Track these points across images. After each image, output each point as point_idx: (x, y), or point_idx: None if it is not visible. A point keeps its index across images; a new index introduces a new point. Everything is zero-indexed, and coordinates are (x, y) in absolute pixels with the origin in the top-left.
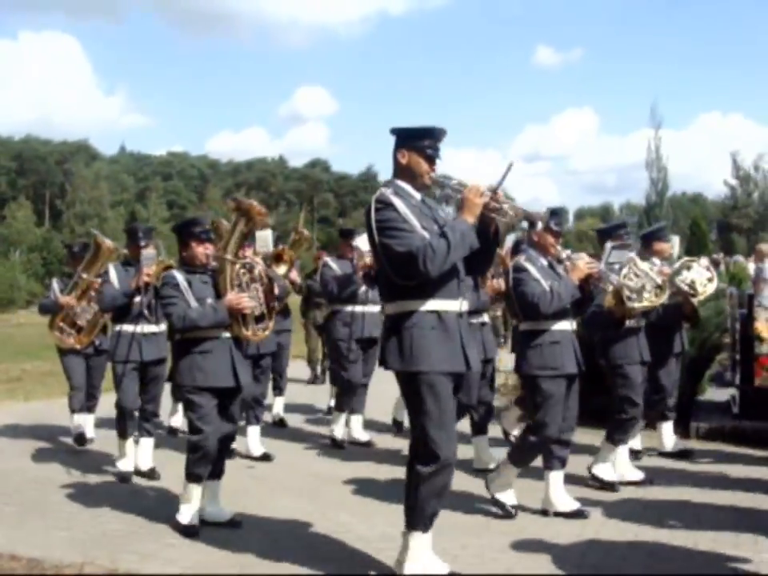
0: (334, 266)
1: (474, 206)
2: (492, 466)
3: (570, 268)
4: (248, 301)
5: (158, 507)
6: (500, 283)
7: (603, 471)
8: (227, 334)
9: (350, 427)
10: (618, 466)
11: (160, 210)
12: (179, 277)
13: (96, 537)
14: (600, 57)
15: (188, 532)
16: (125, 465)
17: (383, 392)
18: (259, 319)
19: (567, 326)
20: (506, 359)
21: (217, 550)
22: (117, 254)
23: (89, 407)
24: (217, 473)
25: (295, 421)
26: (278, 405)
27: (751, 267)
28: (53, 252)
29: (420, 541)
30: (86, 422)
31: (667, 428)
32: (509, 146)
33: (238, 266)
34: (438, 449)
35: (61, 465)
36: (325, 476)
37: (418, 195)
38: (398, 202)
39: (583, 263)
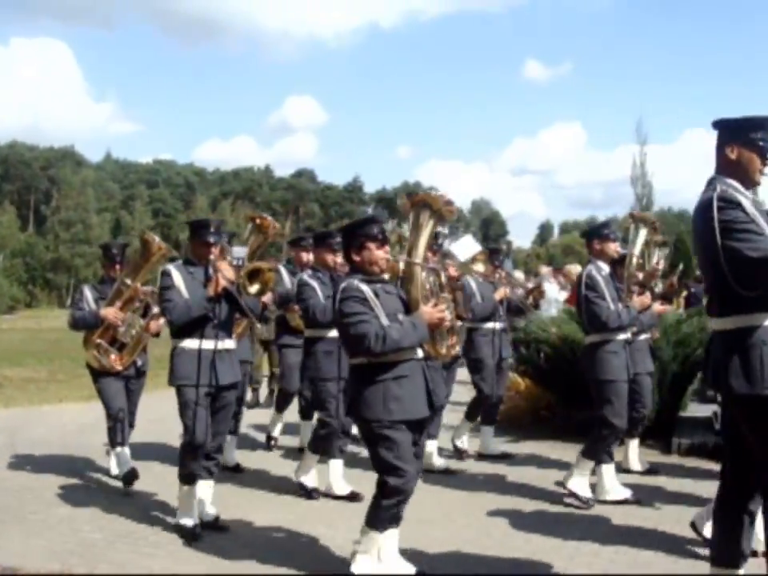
0: (286, 277)
1: None
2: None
3: None
4: (447, 313)
5: (137, 516)
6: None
7: (578, 486)
8: (421, 354)
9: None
10: (606, 483)
11: (145, 217)
12: (365, 288)
13: (74, 545)
14: (588, 72)
15: None
16: (188, 519)
17: None
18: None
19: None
20: None
21: (195, 559)
22: (169, 255)
23: (123, 439)
24: None
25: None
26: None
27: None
28: (36, 257)
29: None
30: (122, 457)
31: (634, 445)
32: (496, 158)
33: (426, 273)
34: None
35: (40, 473)
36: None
37: (750, 195)
38: (745, 201)
39: None
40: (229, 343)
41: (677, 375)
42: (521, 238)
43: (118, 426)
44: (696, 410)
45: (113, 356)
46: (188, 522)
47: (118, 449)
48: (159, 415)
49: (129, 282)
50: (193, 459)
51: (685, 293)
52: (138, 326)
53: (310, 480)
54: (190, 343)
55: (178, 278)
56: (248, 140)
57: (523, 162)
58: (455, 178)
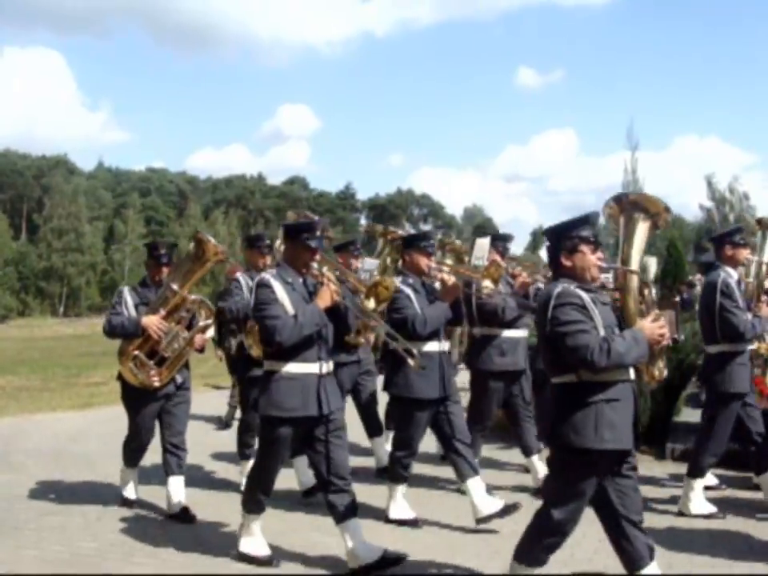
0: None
1: None
2: None
3: None
4: (666, 330)
5: (130, 526)
6: None
7: (702, 507)
8: (633, 375)
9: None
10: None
11: (138, 225)
12: (583, 295)
13: (67, 555)
14: (581, 79)
15: None
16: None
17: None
18: None
19: None
20: None
21: (189, 569)
22: (224, 259)
23: (179, 465)
24: None
25: None
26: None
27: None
28: (28, 266)
29: None
30: (176, 488)
31: None
32: (489, 165)
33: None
34: None
35: (32, 482)
36: (296, 495)
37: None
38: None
39: None
40: (332, 365)
41: (670, 381)
42: (514, 244)
43: (138, 451)
44: (690, 415)
45: (151, 371)
46: (260, 551)
47: (128, 469)
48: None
49: (176, 287)
50: (263, 492)
51: (677, 298)
52: (181, 340)
53: (403, 511)
54: (294, 367)
55: (280, 290)
56: (241, 148)
57: (516, 168)
58: (448, 185)
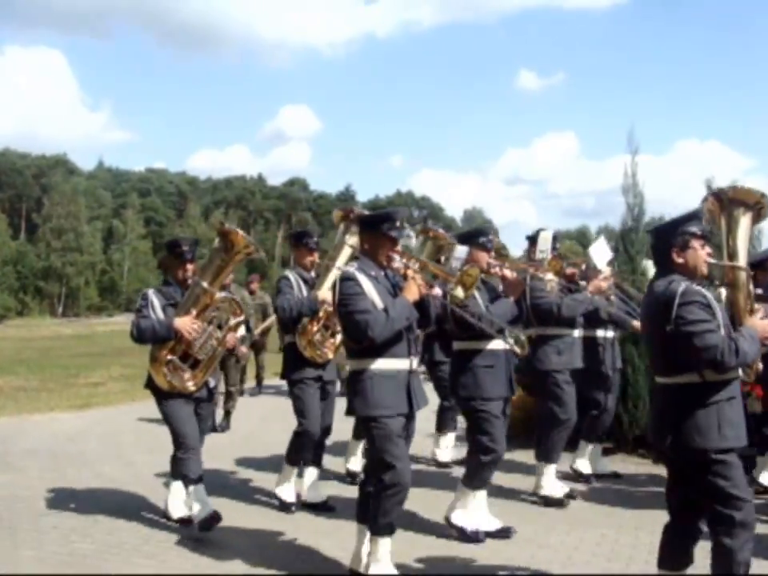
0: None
1: None
2: None
3: None
4: None
5: (128, 527)
6: None
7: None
8: (742, 374)
9: None
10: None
11: (137, 226)
12: (709, 295)
13: (64, 556)
14: (581, 82)
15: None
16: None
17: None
18: None
19: None
20: None
21: (188, 569)
22: (256, 252)
23: (197, 472)
24: None
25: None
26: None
27: (723, 292)
28: (27, 266)
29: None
30: (198, 495)
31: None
32: (490, 168)
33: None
34: None
35: (30, 482)
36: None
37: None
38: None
39: None
40: (416, 361)
41: None
42: (513, 247)
43: (192, 457)
44: None
45: (186, 374)
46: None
47: (191, 487)
48: (151, 424)
49: (206, 285)
50: (399, 503)
51: None
52: (214, 340)
53: (478, 521)
54: (386, 363)
55: (366, 283)
56: (242, 149)
57: (516, 171)
58: (448, 187)
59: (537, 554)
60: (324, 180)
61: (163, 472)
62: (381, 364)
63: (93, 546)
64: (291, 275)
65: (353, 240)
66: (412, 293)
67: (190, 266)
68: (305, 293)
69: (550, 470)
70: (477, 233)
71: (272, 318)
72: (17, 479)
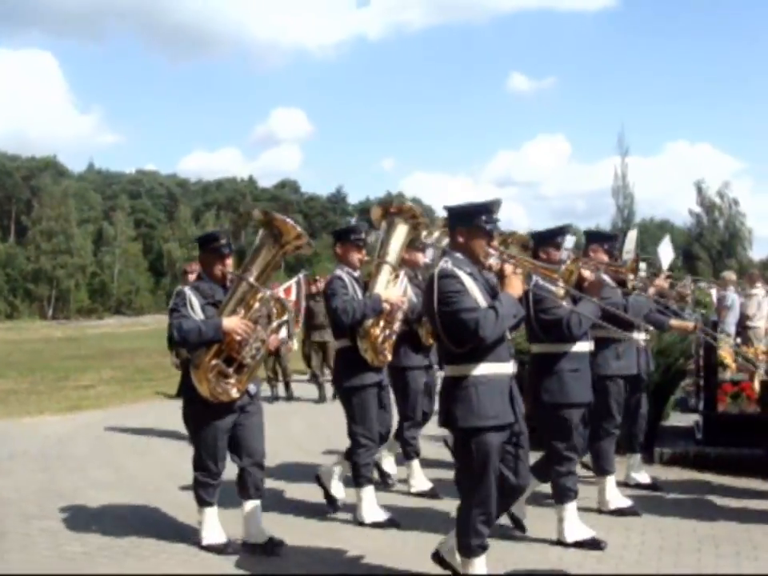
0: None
1: None
2: None
3: None
4: None
5: (119, 529)
6: None
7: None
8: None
9: None
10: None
11: (127, 228)
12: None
13: (54, 559)
14: (572, 85)
15: None
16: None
17: None
18: None
19: None
20: None
21: (179, 570)
22: (307, 244)
23: (257, 487)
24: None
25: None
26: None
27: (714, 294)
28: (17, 268)
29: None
30: (254, 514)
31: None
32: (481, 170)
33: None
34: None
35: (19, 485)
36: (290, 500)
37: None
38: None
39: None
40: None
41: (659, 385)
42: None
43: (216, 475)
44: (678, 419)
45: (231, 380)
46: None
47: (207, 510)
48: (142, 427)
49: (252, 280)
50: (487, 523)
51: None
52: (259, 342)
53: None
54: (490, 368)
55: (467, 280)
56: (234, 151)
57: (507, 173)
58: (439, 189)
59: (526, 555)
60: (315, 182)
61: (153, 474)
62: (484, 369)
63: (82, 549)
64: (344, 275)
65: (437, 239)
66: (516, 288)
67: (229, 261)
68: (359, 293)
69: (611, 482)
70: (556, 232)
71: None
72: (6, 482)
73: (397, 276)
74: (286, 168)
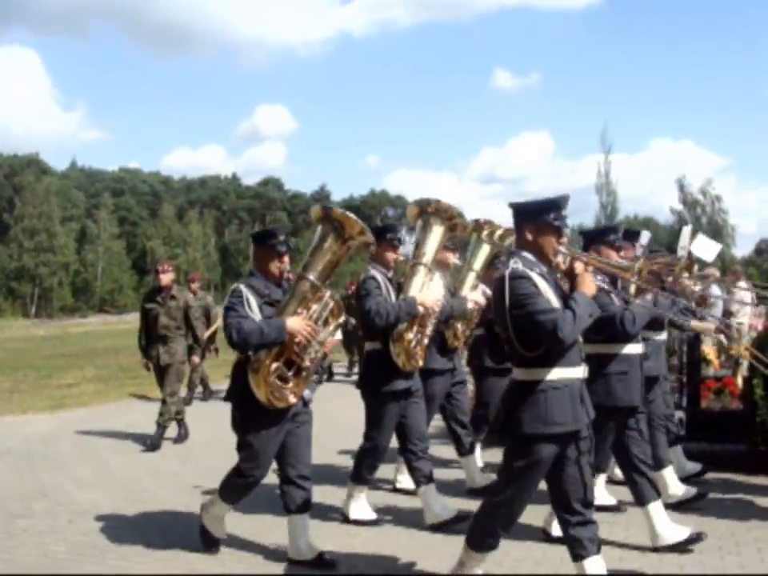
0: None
1: None
2: None
3: None
4: None
5: (102, 529)
6: None
7: None
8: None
9: None
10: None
11: (110, 226)
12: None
13: (37, 558)
14: (556, 82)
15: None
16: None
17: None
18: None
19: None
20: None
21: (161, 570)
22: (370, 242)
23: (305, 500)
24: None
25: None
26: None
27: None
28: None
29: None
30: (302, 528)
31: None
32: (465, 167)
33: None
34: None
35: (2, 484)
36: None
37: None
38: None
39: None
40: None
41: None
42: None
43: (254, 483)
44: None
45: (289, 385)
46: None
47: (227, 507)
48: (125, 425)
49: (313, 278)
50: (504, 527)
51: None
52: (319, 344)
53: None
54: (562, 373)
55: (540, 281)
56: (217, 149)
57: (492, 170)
58: (424, 186)
59: (511, 551)
60: (299, 180)
61: (137, 473)
62: (557, 374)
63: (66, 548)
64: (378, 275)
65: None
66: (590, 286)
67: (286, 259)
68: (392, 295)
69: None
70: (605, 231)
71: (219, 322)
72: None
73: (431, 278)
74: (270, 165)
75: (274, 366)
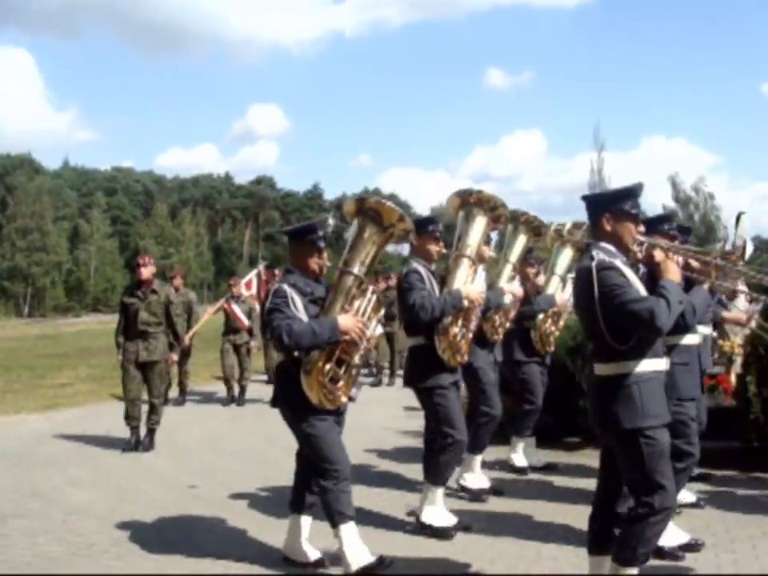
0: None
1: None
2: None
3: None
4: None
5: (97, 529)
6: None
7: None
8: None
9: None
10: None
11: (103, 225)
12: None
13: (31, 558)
14: (549, 80)
15: None
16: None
17: None
18: None
19: None
20: None
21: (158, 570)
22: (410, 230)
23: (312, 503)
24: None
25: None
26: None
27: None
28: None
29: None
30: (305, 528)
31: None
32: (458, 166)
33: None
34: None
35: None
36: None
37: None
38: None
39: None
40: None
41: None
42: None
43: (347, 490)
44: None
45: (340, 384)
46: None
47: (345, 525)
48: (119, 425)
49: (356, 271)
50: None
51: None
52: (367, 339)
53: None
54: (651, 365)
55: (628, 271)
56: (210, 148)
57: (485, 169)
58: (416, 185)
59: (507, 549)
60: (292, 179)
61: (131, 473)
62: (646, 365)
63: (60, 548)
64: (421, 268)
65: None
66: (675, 273)
67: (325, 254)
68: (436, 288)
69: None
70: (660, 219)
71: (204, 319)
72: None
73: (475, 270)
74: (262, 164)
75: (327, 366)
